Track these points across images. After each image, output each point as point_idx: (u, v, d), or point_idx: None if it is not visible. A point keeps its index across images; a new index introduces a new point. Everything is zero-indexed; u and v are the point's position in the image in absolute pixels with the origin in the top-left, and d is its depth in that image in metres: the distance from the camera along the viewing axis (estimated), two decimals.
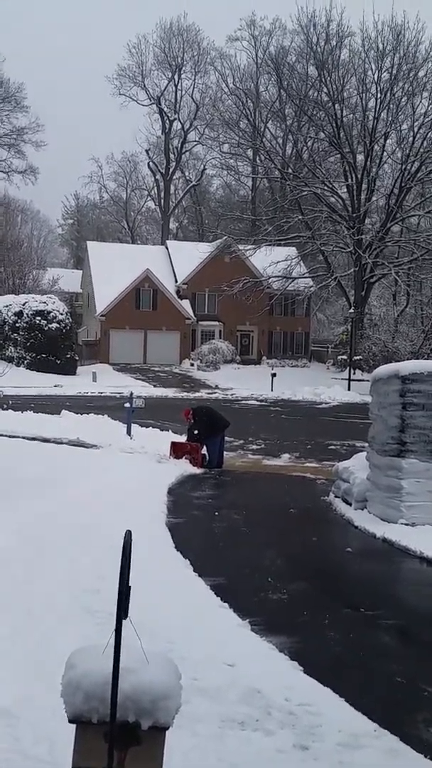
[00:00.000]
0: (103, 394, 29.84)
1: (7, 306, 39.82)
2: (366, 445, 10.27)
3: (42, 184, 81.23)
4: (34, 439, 14.67)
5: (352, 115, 46.07)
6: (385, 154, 46.88)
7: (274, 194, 55.60)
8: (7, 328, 39.22)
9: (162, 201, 70.43)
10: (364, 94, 45.24)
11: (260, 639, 5.08)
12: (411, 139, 44.11)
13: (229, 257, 47.97)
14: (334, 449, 16.31)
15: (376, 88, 44.84)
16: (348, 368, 39.15)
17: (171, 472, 12.14)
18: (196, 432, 13.49)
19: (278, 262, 44.92)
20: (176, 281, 50.34)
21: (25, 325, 39.07)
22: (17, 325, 39.19)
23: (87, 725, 2.23)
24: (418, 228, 47.67)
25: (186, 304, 49.29)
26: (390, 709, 4.16)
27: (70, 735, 2.29)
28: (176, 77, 67.92)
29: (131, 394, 15.79)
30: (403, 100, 44.83)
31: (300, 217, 46.37)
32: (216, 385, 38.39)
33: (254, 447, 16.41)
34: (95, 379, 36.14)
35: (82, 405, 22.89)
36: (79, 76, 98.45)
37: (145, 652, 2.29)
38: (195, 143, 68.87)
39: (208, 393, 33.81)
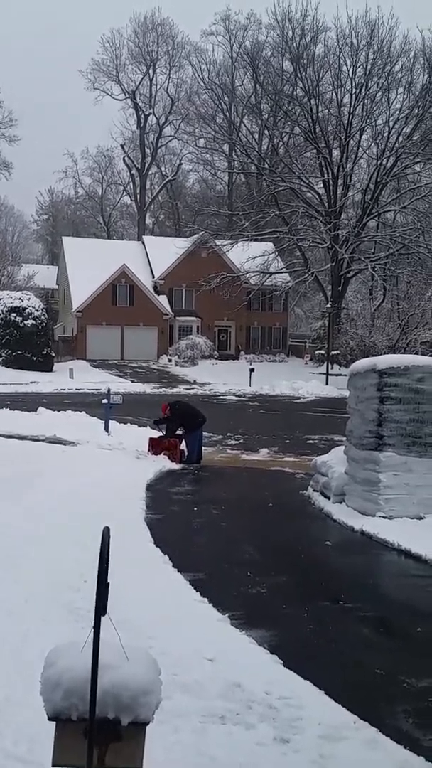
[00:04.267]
0: (80, 391, 29.68)
1: None
2: (344, 439, 10.33)
3: (16, 180, 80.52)
4: (10, 436, 14.55)
5: (327, 110, 46.20)
6: (360, 149, 47.15)
7: (250, 189, 55.61)
8: None
9: (138, 196, 70.19)
10: (339, 90, 45.44)
11: (240, 633, 5.09)
12: (386, 134, 44.41)
13: (206, 252, 47.94)
14: (313, 443, 16.38)
15: (351, 84, 45.05)
16: (326, 363, 39.34)
17: (149, 468, 12.11)
18: (179, 431, 13.47)
19: (255, 257, 44.99)
20: (153, 277, 50.21)
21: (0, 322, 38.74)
22: None
23: (66, 722, 2.21)
24: (394, 223, 47.98)
25: (163, 300, 49.19)
26: (370, 700, 4.19)
27: (51, 733, 2.28)
28: (151, 72, 67.73)
29: (109, 390, 15.72)
30: (378, 95, 45.10)
31: (277, 212, 46.47)
32: (194, 381, 38.37)
33: (233, 442, 16.43)
34: (72, 376, 35.95)
35: (59, 402, 22.75)
36: (53, 70, 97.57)
37: (124, 648, 2.28)
38: (171, 138, 68.76)
39: (186, 388, 33.78)
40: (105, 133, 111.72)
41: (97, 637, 2.17)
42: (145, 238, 56.50)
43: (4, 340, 38.51)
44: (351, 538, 8.31)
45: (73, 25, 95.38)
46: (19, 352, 38.21)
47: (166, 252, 49.56)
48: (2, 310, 38.97)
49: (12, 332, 38.50)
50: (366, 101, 44.74)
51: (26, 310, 39.19)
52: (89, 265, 47.45)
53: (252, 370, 35.71)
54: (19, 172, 72.93)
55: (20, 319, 38.78)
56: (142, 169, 69.14)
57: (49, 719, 2.24)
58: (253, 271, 45.68)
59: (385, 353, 26.92)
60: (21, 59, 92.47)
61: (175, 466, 12.72)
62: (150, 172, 70.53)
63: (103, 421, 15.32)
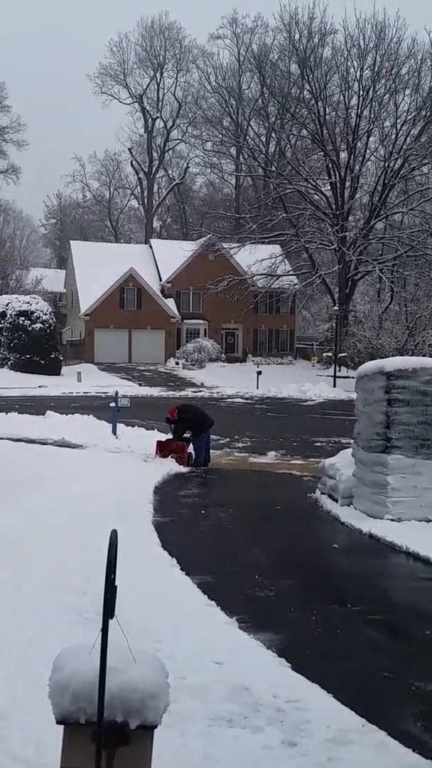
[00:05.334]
0: (88, 394, 29.74)
1: None
2: (352, 441, 10.30)
3: (24, 184, 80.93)
4: (19, 440, 14.59)
5: (334, 112, 46.20)
6: (368, 151, 47.13)
7: (257, 192, 55.64)
8: None
9: (145, 200, 70.33)
10: (346, 92, 45.44)
11: (248, 636, 5.08)
12: (394, 136, 44.35)
13: (214, 255, 47.97)
14: (320, 446, 16.35)
15: (359, 86, 45.03)
16: (333, 365, 39.27)
17: (157, 471, 12.12)
18: (187, 434, 13.47)
19: (263, 260, 44.99)
20: (160, 280, 50.26)
21: (8, 325, 38.85)
22: (0, 325, 38.98)
23: (75, 726, 2.22)
24: (402, 225, 47.89)
25: (170, 303, 49.24)
26: (378, 704, 4.17)
27: (58, 736, 2.28)
28: (158, 75, 67.92)
29: (116, 393, 15.74)
30: (385, 97, 45.04)
31: (284, 214, 46.46)
32: (201, 384, 38.39)
33: (240, 445, 16.42)
34: (80, 379, 36.03)
35: (67, 405, 22.80)
36: (53, 71, 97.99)
37: (132, 651, 2.29)
38: (178, 141, 68.93)
39: (194, 391, 33.79)
40: (110, 136, 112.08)
41: (105, 640, 2.18)
42: (153, 241, 56.59)
43: (12, 344, 38.63)
44: (359, 540, 8.29)
45: (73, 25, 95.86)
46: (28, 356, 38.34)
47: (173, 255, 49.63)
48: (11, 314, 39.10)
49: (20, 336, 38.63)
50: (373, 103, 44.72)
51: (34, 314, 39.32)
52: (97, 268, 47.56)
53: (259, 372, 35.70)
54: (28, 177, 73.30)
55: (28, 322, 38.91)
56: (149, 172, 69.27)
57: (58, 723, 2.25)
58: (261, 274, 45.67)
59: (392, 355, 26.84)
60: (21, 59, 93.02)
61: (183, 469, 12.72)
62: (157, 176, 70.71)
63: (111, 425, 15.34)
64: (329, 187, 46.92)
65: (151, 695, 2.22)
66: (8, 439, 14.57)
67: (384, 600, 6.43)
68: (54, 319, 41.65)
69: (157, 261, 51.37)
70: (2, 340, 38.82)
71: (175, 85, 67.68)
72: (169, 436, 13.79)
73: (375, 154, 47.33)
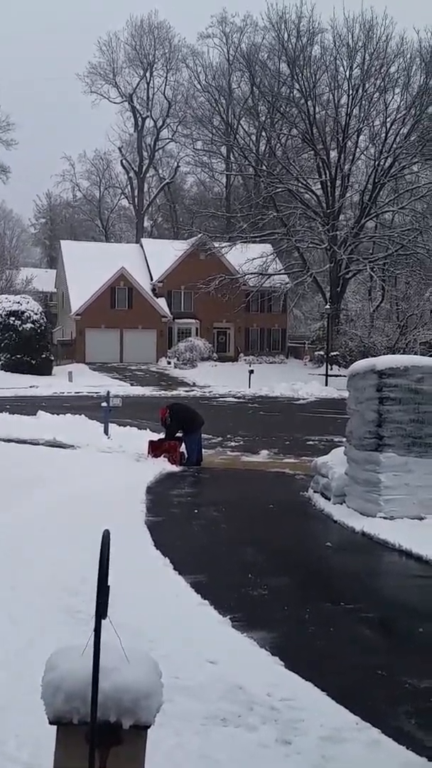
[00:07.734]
0: (79, 394, 29.68)
1: None
2: (344, 440, 10.32)
3: (13, 183, 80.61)
4: (9, 440, 14.53)
5: (324, 111, 46.27)
6: (358, 150, 47.23)
7: (248, 191, 55.66)
8: None
9: (136, 199, 70.26)
10: (336, 91, 45.52)
11: (241, 635, 5.08)
12: (383, 135, 44.46)
13: (205, 254, 47.95)
14: (313, 445, 16.37)
15: (348, 85, 45.13)
16: (325, 364, 39.35)
17: (149, 470, 12.11)
18: (179, 433, 13.45)
19: (254, 259, 45.00)
20: (152, 279, 50.21)
21: None
22: None
23: (68, 726, 2.21)
24: (392, 224, 48.02)
25: (162, 302, 49.19)
26: (372, 702, 4.18)
27: (53, 737, 2.27)
28: (148, 75, 67.84)
29: (108, 393, 15.70)
30: (375, 96, 45.15)
31: (275, 213, 46.50)
32: (193, 383, 38.38)
33: (233, 444, 16.42)
34: (71, 379, 35.95)
35: (58, 405, 22.74)
36: (51, 74, 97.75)
37: (125, 651, 2.28)
38: (168, 141, 68.86)
39: (186, 391, 33.78)
40: (102, 136, 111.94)
41: (98, 640, 2.17)
42: (144, 240, 56.52)
43: (2, 344, 38.52)
44: (352, 539, 8.30)
45: (72, 25, 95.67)
46: (18, 356, 38.22)
47: (164, 254, 49.58)
48: (1, 314, 38.98)
49: (11, 336, 38.51)
50: (363, 102, 44.86)
51: (25, 314, 39.21)
52: (88, 268, 47.44)
53: (251, 371, 35.71)
54: (18, 176, 73.06)
55: (19, 322, 38.80)
56: (139, 171, 69.19)
57: (51, 723, 2.24)
58: (252, 273, 45.69)
59: (384, 354, 26.91)
60: (21, 59, 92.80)
61: (175, 469, 12.71)
62: (148, 175, 70.63)
63: (103, 424, 15.31)
64: (320, 186, 47.01)
65: (145, 695, 2.22)
66: None
67: (377, 598, 6.44)
68: (45, 319, 41.54)
69: (148, 260, 51.32)
70: None
71: (165, 85, 67.72)
72: (161, 435, 13.77)
73: (365, 152, 47.50)
